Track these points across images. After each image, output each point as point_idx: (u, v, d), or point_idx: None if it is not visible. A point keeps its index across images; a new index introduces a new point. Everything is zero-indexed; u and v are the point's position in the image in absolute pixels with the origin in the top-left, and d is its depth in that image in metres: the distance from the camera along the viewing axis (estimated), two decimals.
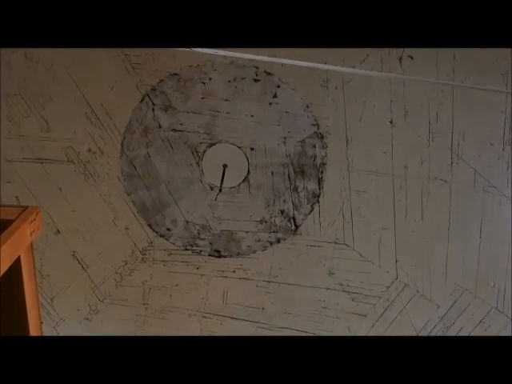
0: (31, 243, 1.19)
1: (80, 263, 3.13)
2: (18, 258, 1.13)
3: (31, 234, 1.16)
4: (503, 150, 2.73)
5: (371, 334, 3.17)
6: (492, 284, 2.97)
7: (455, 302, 3.04)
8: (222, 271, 3.18)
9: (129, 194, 3.06)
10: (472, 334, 3.07)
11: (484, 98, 2.61)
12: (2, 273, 1.00)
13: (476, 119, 2.67)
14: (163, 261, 3.17)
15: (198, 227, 3.13)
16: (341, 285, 3.13)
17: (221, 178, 2.98)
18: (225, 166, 3.01)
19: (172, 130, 2.94)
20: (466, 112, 2.67)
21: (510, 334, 2.96)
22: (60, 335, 3.17)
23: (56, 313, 3.17)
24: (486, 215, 2.84)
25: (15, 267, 1.12)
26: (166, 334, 3.25)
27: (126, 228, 3.11)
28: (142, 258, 3.16)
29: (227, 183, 3.03)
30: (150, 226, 3.12)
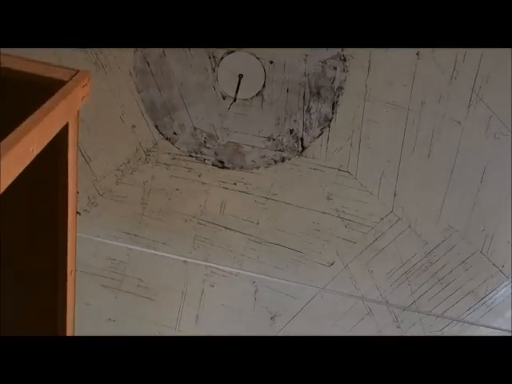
0: (78, 112, 1.17)
1: (83, 155, 3.11)
2: (66, 126, 1.10)
3: (82, 99, 1.13)
4: None
5: (358, 260, 3.30)
6: (482, 228, 3.08)
7: (443, 240, 3.15)
8: (223, 182, 3.20)
9: (139, 92, 2.99)
10: (453, 272, 3.23)
11: None
12: (54, 135, 0.98)
13: (503, 65, 2.63)
14: (166, 164, 3.17)
15: (205, 135, 3.10)
16: (337, 210, 3.21)
17: (236, 87, 2.92)
18: (240, 76, 2.94)
19: None
20: (495, 56, 2.62)
21: (490, 275, 3.11)
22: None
23: None
24: (491, 161, 2.88)
25: (61, 135, 1.10)
26: (161, 237, 3.33)
27: (133, 126, 3.07)
28: (146, 159, 3.15)
29: (240, 95, 2.98)
30: (156, 127, 3.09)
